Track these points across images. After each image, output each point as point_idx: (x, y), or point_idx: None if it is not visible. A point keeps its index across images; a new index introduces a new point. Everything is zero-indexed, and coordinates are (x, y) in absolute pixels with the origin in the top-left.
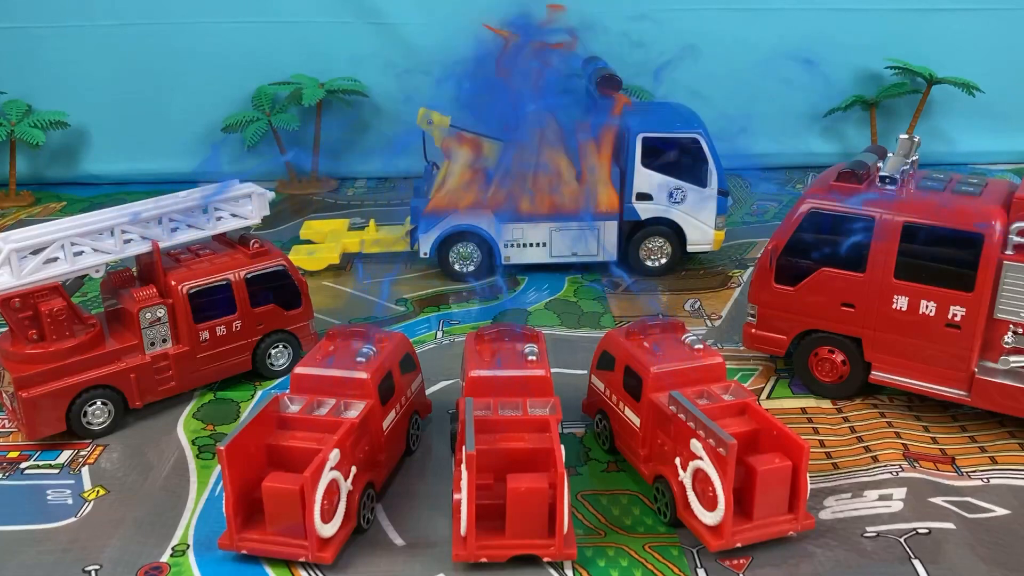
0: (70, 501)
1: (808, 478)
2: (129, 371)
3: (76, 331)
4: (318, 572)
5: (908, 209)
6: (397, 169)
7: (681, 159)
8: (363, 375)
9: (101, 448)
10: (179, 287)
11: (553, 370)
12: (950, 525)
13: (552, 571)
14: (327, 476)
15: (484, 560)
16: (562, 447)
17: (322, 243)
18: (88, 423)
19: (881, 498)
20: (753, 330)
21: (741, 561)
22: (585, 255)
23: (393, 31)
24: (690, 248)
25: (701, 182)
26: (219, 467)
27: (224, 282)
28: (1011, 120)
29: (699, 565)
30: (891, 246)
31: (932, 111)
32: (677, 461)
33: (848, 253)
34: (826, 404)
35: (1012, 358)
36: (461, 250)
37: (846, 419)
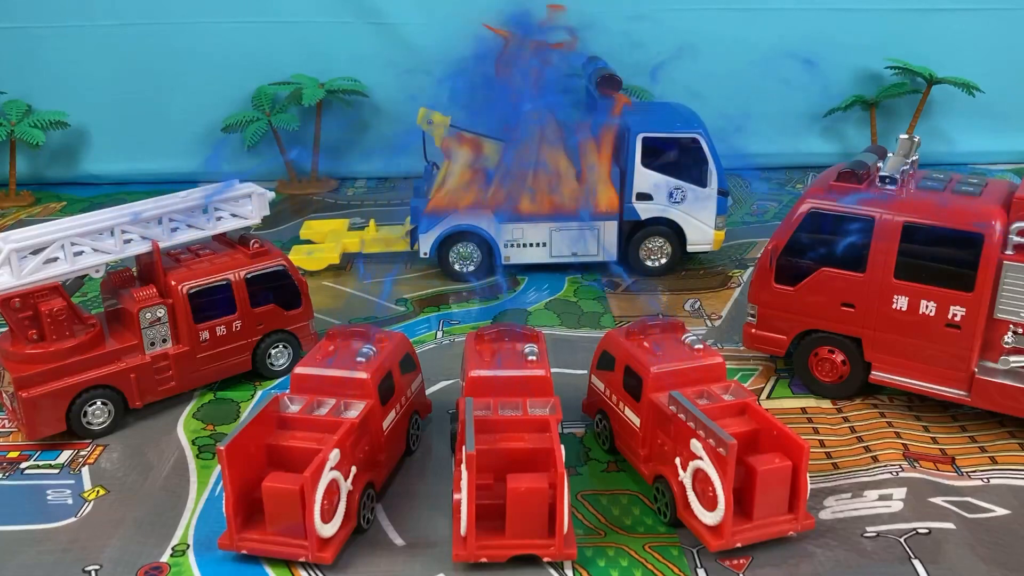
0: (70, 501)
1: (808, 478)
2: (129, 371)
3: (76, 331)
4: (318, 572)
5: (908, 209)
6: (397, 169)
7: (681, 159)
8: (363, 375)
9: (101, 448)
10: (179, 287)
11: (553, 370)
12: (950, 525)
13: (552, 571)
14: (327, 476)
15: (484, 560)
16: (562, 447)
17: (322, 243)
18: (88, 423)
19: (881, 498)
20: (753, 330)
21: (741, 561)
22: (585, 255)
23: (393, 31)
24: (690, 248)
25: (701, 182)
26: (219, 467)
27: (224, 282)
28: (1011, 120)
29: (699, 565)
30: (891, 246)
31: (932, 111)
32: (677, 461)
33: (848, 253)
34: (826, 404)
35: (1012, 358)
36: (461, 250)
37: (846, 419)
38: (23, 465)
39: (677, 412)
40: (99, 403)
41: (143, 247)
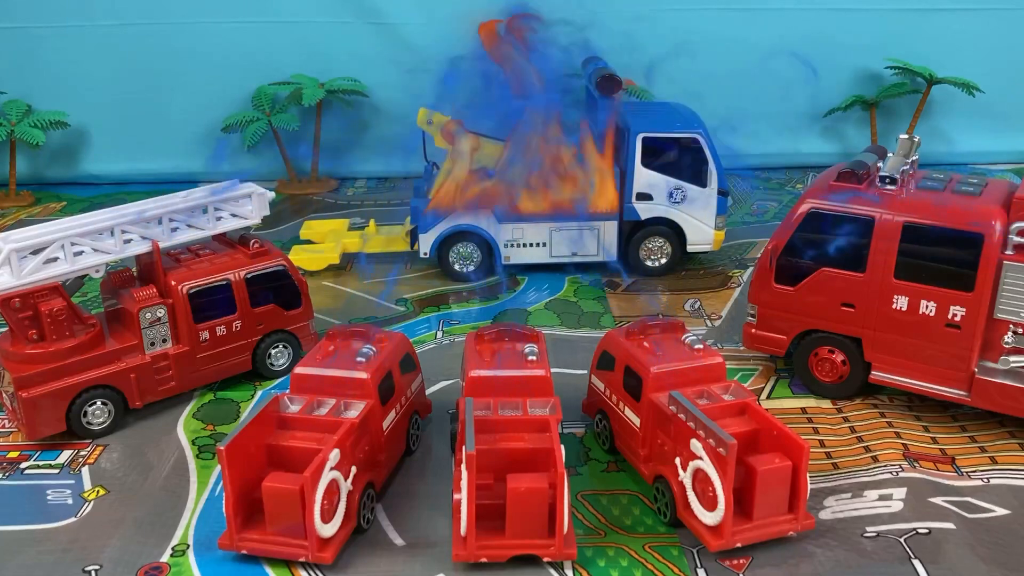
0: (70, 501)
1: (808, 478)
2: (129, 371)
3: (76, 331)
4: (318, 572)
5: (908, 209)
6: (397, 169)
7: (681, 159)
8: (363, 375)
9: (101, 448)
10: (179, 287)
11: (553, 370)
12: (950, 525)
13: (552, 571)
14: (327, 476)
15: (484, 560)
16: (562, 447)
17: (322, 243)
18: (88, 423)
19: (881, 498)
20: (753, 330)
21: (741, 561)
22: (585, 255)
23: (393, 31)
24: (690, 248)
25: (701, 182)
26: (219, 467)
27: (224, 282)
28: (1011, 120)
29: (699, 565)
30: (891, 246)
31: (932, 111)
32: (677, 461)
33: (848, 253)
34: (826, 404)
35: (1012, 358)
36: (461, 250)
37: (846, 419)
38: (23, 465)
39: (677, 412)
40: (99, 403)
41: (143, 247)
